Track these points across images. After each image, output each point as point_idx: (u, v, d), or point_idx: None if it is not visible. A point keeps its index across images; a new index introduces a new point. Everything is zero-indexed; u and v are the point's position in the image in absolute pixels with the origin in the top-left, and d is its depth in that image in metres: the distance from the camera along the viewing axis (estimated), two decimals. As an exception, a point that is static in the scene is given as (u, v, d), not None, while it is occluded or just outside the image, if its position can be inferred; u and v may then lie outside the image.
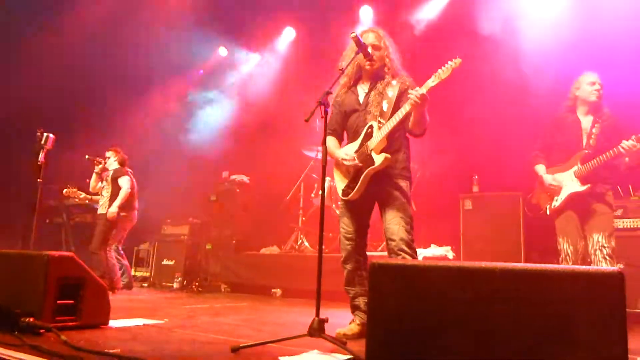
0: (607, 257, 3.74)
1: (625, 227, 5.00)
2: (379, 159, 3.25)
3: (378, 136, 3.26)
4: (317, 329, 2.66)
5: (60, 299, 3.05)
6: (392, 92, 3.33)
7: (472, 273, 1.75)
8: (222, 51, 9.43)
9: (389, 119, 3.24)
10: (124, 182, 6.41)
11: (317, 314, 2.71)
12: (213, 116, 9.18)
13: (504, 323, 1.66)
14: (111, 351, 2.43)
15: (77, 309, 3.15)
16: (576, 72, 4.16)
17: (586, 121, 4.01)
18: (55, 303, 3.01)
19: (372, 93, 3.43)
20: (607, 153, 3.78)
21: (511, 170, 4.79)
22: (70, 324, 3.07)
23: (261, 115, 8.48)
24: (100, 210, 6.47)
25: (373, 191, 3.35)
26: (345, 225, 3.45)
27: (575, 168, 3.95)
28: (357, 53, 3.24)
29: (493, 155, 6.04)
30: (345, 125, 3.57)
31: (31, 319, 2.81)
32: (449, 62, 2.99)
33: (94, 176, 6.74)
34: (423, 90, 3.04)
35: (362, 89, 3.51)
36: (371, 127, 3.33)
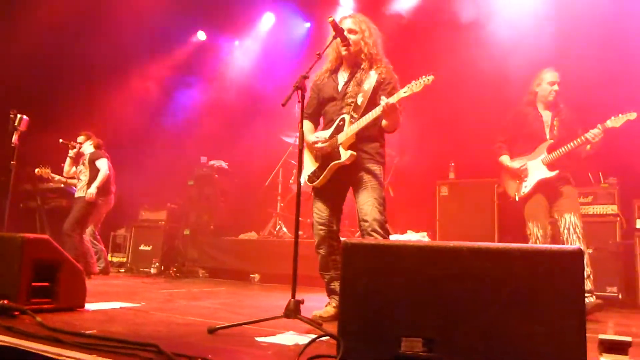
0: (581, 236, 3.99)
1: (595, 212, 5.16)
2: (345, 154, 3.31)
3: (348, 132, 3.31)
4: (293, 310, 2.69)
5: (35, 281, 3.02)
6: (368, 85, 3.36)
7: (442, 252, 1.81)
8: (201, 35, 9.32)
9: (361, 116, 3.29)
10: (102, 164, 6.33)
11: (293, 296, 2.74)
12: (191, 101, 9.10)
13: (471, 298, 1.73)
14: (87, 332, 2.43)
15: (53, 292, 3.13)
16: (548, 60, 4.36)
17: (546, 115, 4.33)
18: (30, 285, 2.98)
19: (351, 83, 3.44)
20: (574, 141, 4.06)
21: (487, 157, 4.90)
22: (46, 306, 3.04)
23: (240, 100, 8.44)
24: (79, 193, 6.37)
25: (344, 178, 3.39)
26: (318, 210, 3.48)
27: (542, 156, 4.24)
28: (334, 38, 3.26)
29: (469, 142, 6.13)
30: (322, 111, 3.59)
31: (5, 302, 2.78)
32: (422, 78, 3.06)
33: (68, 160, 6.62)
34: (393, 100, 3.12)
35: (342, 77, 3.52)
36: (343, 120, 3.36)
